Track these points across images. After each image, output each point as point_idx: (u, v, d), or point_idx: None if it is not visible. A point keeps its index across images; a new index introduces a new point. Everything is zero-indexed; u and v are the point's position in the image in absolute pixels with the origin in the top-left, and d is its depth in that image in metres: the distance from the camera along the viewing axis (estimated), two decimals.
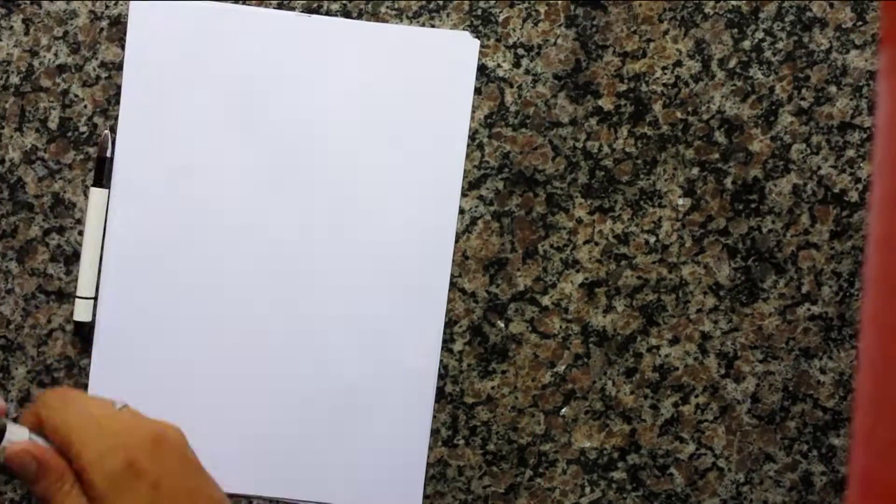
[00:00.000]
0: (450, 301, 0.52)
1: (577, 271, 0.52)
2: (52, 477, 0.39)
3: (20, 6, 0.53)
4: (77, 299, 0.52)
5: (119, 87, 0.53)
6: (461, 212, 0.52)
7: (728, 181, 0.52)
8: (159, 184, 0.52)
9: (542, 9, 0.52)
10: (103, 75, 0.53)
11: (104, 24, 0.53)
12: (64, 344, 0.53)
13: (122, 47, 0.53)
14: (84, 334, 0.53)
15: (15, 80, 0.53)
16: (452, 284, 0.52)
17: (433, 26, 0.52)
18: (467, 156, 0.52)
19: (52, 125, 0.53)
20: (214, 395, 0.53)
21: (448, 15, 0.52)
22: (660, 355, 0.53)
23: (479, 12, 0.52)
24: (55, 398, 0.40)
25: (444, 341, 0.52)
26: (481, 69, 0.52)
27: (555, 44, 0.52)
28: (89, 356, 0.53)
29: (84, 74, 0.53)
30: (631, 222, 0.52)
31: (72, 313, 0.53)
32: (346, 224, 0.52)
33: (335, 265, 0.52)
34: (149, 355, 0.51)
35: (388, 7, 0.52)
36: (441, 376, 0.52)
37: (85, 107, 0.53)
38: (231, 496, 0.47)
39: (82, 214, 0.53)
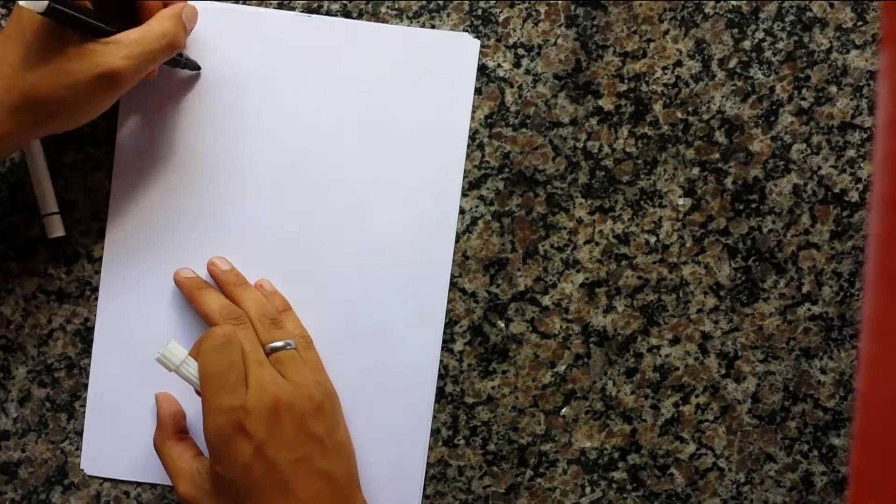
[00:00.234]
0: (450, 301, 0.52)
1: (578, 271, 0.52)
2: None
3: None
4: (45, 218, 0.52)
5: None
6: (461, 212, 0.52)
7: (728, 181, 0.52)
8: (158, 185, 0.52)
9: (543, 9, 0.52)
10: None
11: None
12: (64, 344, 0.53)
13: None
14: (65, 252, 0.52)
15: None
16: (452, 284, 0.52)
17: (433, 26, 0.52)
18: (467, 156, 0.52)
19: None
20: None
21: (448, 15, 0.52)
22: (660, 355, 0.53)
23: (479, 12, 0.52)
24: (212, 340, 0.46)
25: (444, 341, 0.52)
26: (481, 69, 0.52)
27: (555, 44, 0.52)
28: (89, 356, 0.53)
29: None
30: (631, 222, 0.52)
31: (73, 313, 0.53)
32: (345, 224, 0.52)
33: (335, 265, 0.52)
34: (149, 355, 0.51)
35: (388, 7, 0.52)
36: (441, 376, 0.52)
37: None
38: None
39: (82, 214, 0.53)
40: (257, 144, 0.52)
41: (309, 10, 0.52)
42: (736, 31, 0.52)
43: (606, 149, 0.52)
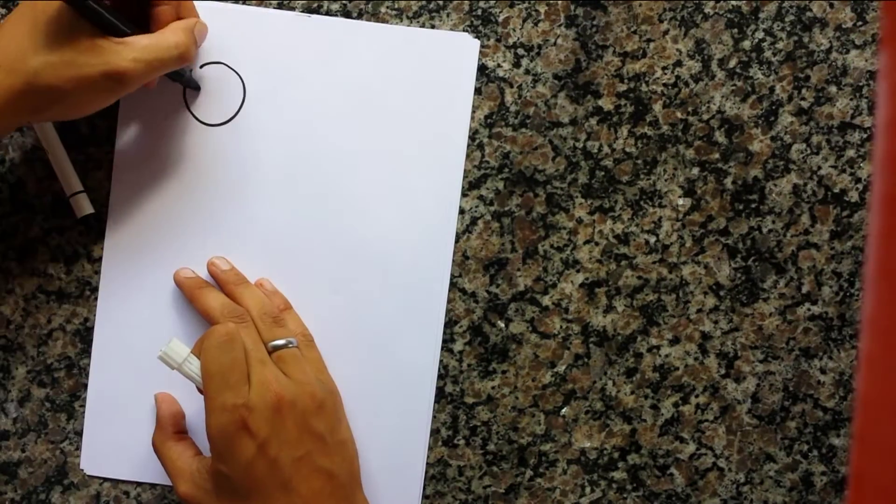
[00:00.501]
0: (450, 301, 0.52)
1: (578, 271, 0.52)
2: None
3: None
4: (72, 198, 0.52)
5: None
6: (461, 212, 0.52)
7: (728, 181, 0.52)
8: (157, 185, 0.52)
9: (542, 9, 0.52)
10: None
11: None
12: (64, 344, 0.53)
13: None
14: (96, 227, 0.52)
15: None
16: (452, 284, 0.52)
17: (433, 26, 0.52)
18: (467, 156, 0.52)
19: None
20: None
21: (448, 15, 0.52)
22: (660, 355, 0.53)
23: (479, 12, 0.52)
24: (215, 338, 0.46)
25: (444, 341, 0.52)
26: (481, 69, 0.52)
27: (555, 44, 0.52)
28: (89, 356, 0.53)
29: None
30: (631, 222, 0.52)
31: (73, 313, 0.53)
32: (345, 224, 0.52)
33: (334, 265, 0.52)
34: (149, 356, 0.51)
35: (388, 7, 0.52)
36: (441, 376, 0.52)
37: None
38: None
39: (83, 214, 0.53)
40: (257, 144, 0.52)
41: (309, 10, 0.52)
42: (736, 31, 0.52)
43: (606, 149, 0.52)
